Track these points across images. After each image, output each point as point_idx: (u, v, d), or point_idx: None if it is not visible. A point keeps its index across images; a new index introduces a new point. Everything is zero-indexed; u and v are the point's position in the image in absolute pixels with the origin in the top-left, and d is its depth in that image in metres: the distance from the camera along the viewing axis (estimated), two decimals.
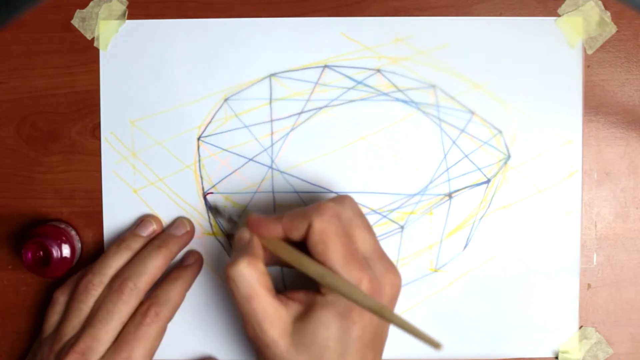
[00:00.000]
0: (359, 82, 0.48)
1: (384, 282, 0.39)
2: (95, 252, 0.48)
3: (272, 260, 0.42)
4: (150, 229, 0.47)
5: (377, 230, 0.48)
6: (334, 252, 0.38)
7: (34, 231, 0.46)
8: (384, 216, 0.48)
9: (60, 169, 0.48)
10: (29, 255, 0.45)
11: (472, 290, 0.48)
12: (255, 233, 0.41)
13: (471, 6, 0.48)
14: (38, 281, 0.48)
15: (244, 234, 0.41)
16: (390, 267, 0.40)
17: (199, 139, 0.48)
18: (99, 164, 0.48)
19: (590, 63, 0.48)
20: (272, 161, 0.48)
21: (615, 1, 0.47)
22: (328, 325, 0.38)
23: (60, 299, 0.45)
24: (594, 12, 0.47)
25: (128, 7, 0.47)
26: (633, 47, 0.48)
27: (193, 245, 0.48)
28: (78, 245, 0.47)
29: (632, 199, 0.48)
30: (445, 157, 0.48)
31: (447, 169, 0.48)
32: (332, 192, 0.48)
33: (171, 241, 0.46)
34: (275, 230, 0.40)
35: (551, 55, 0.47)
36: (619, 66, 0.48)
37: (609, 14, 0.47)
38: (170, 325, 0.46)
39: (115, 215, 0.48)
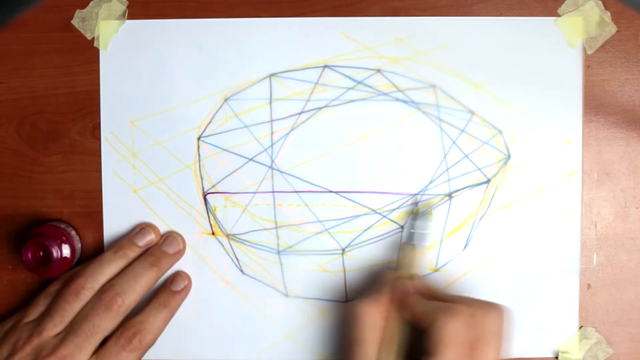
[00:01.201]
0: (359, 82, 0.48)
1: None
2: (95, 252, 0.48)
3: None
4: (147, 239, 0.47)
5: (377, 230, 0.48)
6: (444, 355, 0.39)
7: (34, 231, 0.46)
8: (384, 216, 0.48)
9: (60, 169, 0.48)
10: (29, 255, 0.45)
11: (472, 290, 0.48)
12: (392, 296, 0.43)
13: (471, 6, 0.48)
14: (38, 281, 0.48)
15: (388, 275, 0.44)
16: None
17: (199, 139, 0.48)
18: (99, 164, 0.48)
19: (590, 63, 0.48)
20: (272, 161, 0.48)
21: (615, 1, 0.47)
22: None
23: (52, 288, 0.46)
24: (594, 12, 0.47)
25: (128, 7, 0.47)
26: (633, 47, 0.48)
27: (193, 245, 0.48)
28: (78, 245, 0.47)
29: (632, 199, 0.48)
30: (445, 157, 0.48)
31: (447, 169, 0.48)
32: (332, 192, 0.48)
33: (164, 260, 0.46)
34: (408, 310, 0.42)
35: (551, 55, 0.47)
36: (619, 66, 0.48)
37: (609, 14, 0.47)
38: (170, 325, 0.46)
39: (115, 215, 0.48)
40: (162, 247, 0.47)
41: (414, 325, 0.42)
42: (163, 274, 0.47)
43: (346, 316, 0.43)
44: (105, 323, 0.44)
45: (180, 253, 0.47)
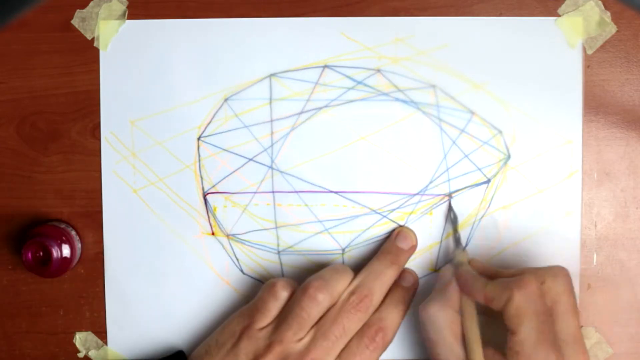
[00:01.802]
0: (359, 82, 0.48)
1: None
2: (95, 252, 0.48)
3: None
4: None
5: (377, 230, 0.48)
6: (526, 330, 0.39)
7: (34, 231, 0.46)
8: (384, 216, 0.48)
9: (60, 169, 0.48)
10: (29, 255, 0.45)
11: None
12: (459, 287, 0.43)
13: (471, 6, 0.48)
14: (38, 281, 0.48)
15: (447, 272, 0.44)
16: (583, 354, 0.41)
17: (199, 139, 0.48)
18: (99, 164, 0.48)
19: (590, 63, 0.48)
20: (272, 161, 0.48)
21: (615, 1, 0.47)
22: None
23: (284, 294, 0.44)
24: (594, 12, 0.47)
25: (128, 7, 0.47)
26: (633, 47, 0.48)
27: (193, 245, 0.48)
28: (78, 245, 0.47)
29: (632, 199, 0.48)
30: (445, 157, 0.48)
31: (447, 169, 0.48)
32: (332, 192, 0.48)
33: (401, 256, 0.46)
34: (478, 295, 0.42)
35: (551, 55, 0.47)
36: (619, 66, 0.48)
37: (609, 14, 0.47)
38: (169, 325, 0.46)
39: (115, 215, 0.48)
40: (397, 242, 0.46)
41: (488, 308, 0.41)
42: (401, 270, 0.46)
43: (422, 321, 0.43)
44: (355, 324, 0.43)
45: (414, 248, 0.47)
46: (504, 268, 0.45)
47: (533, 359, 0.39)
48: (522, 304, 0.40)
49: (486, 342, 0.42)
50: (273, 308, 0.44)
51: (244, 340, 0.43)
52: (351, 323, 0.43)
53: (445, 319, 0.42)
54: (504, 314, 0.40)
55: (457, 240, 0.47)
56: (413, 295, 0.47)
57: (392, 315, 0.45)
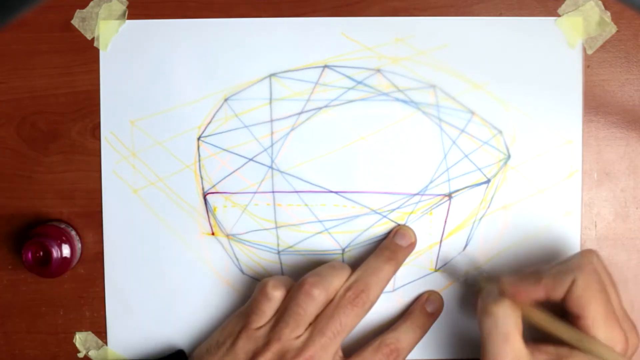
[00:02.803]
0: (359, 82, 0.48)
1: (631, 342, 0.40)
2: (95, 252, 0.48)
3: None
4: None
5: (377, 230, 0.48)
6: (596, 309, 0.39)
7: (34, 231, 0.46)
8: (384, 216, 0.48)
9: (60, 169, 0.48)
10: (29, 255, 0.45)
11: (472, 290, 0.48)
12: (514, 298, 0.41)
13: (471, 6, 0.48)
14: (38, 281, 0.48)
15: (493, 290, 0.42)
16: (633, 327, 0.41)
17: (199, 139, 0.48)
18: (99, 164, 0.48)
19: (590, 63, 0.48)
20: (272, 161, 0.48)
21: (615, 1, 0.47)
22: None
23: (277, 294, 0.44)
24: (594, 12, 0.47)
25: (128, 7, 0.47)
26: (633, 47, 0.48)
27: (193, 245, 0.48)
28: (78, 245, 0.47)
29: (632, 199, 0.48)
30: (445, 157, 0.48)
31: (447, 169, 0.48)
32: (332, 192, 0.48)
33: (399, 253, 0.46)
34: (537, 292, 0.41)
35: (551, 55, 0.47)
36: (619, 66, 0.48)
37: (609, 14, 0.47)
38: (170, 325, 0.46)
39: (115, 215, 0.48)
40: (396, 240, 0.47)
41: (547, 302, 0.41)
42: (399, 267, 0.46)
43: (481, 319, 0.41)
44: (352, 320, 0.43)
45: (412, 245, 0.47)
46: (513, 267, 0.45)
47: (606, 338, 0.39)
48: (587, 284, 0.39)
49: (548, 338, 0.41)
50: (267, 309, 0.44)
51: (243, 339, 0.43)
52: (348, 319, 0.43)
53: (516, 317, 0.40)
54: (567, 301, 0.39)
55: (485, 278, 0.46)
56: (433, 322, 0.47)
57: (409, 338, 0.45)
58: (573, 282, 0.39)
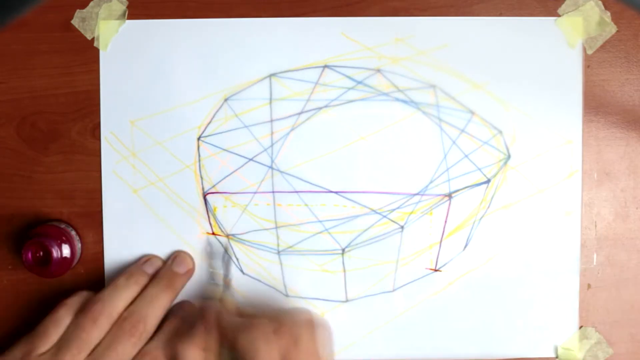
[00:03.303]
0: (359, 82, 0.48)
1: None
2: (95, 252, 0.48)
3: None
4: (155, 267, 0.47)
5: (377, 230, 0.48)
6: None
7: (34, 231, 0.46)
8: (384, 216, 0.48)
9: (60, 169, 0.48)
10: (29, 255, 0.45)
11: (472, 291, 0.48)
12: (206, 320, 0.43)
13: (471, 6, 0.48)
14: (38, 281, 0.48)
15: (199, 306, 0.45)
16: None
17: (199, 139, 0.48)
18: (99, 164, 0.48)
19: (590, 63, 0.48)
20: (272, 161, 0.48)
21: (615, 1, 0.47)
22: None
23: (66, 319, 0.44)
24: (594, 12, 0.47)
25: (128, 7, 0.47)
26: (633, 47, 0.48)
27: (193, 245, 0.48)
28: (78, 245, 0.47)
29: (632, 199, 0.48)
30: (445, 157, 0.48)
31: (447, 169, 0.48)
32: (332, 192, 0.48)
33: (177, 280, 0.47)
34: (219, 334, 0.43)
35: (551, 55, 0.47)
36: (619, 66, 0.48)
37: (609, 14, 0.47)
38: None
39: (115, 215, 0.48)
40: (173, 268, 0.47)
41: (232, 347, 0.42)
42: (178, 294, 0.47)
43: None
44: (129, 350, 0.44)
45: (190, 272, 0.47)
46: (258, 308, 0.47)
47: None
48: (248, 347, 0.40)
49: None
50: (53, 333, 0.44)
51: None
52: (125, 348, 0.43)
53: (195, 358, 0.42)
54: (237, 354, 0.41)
55: (212, 275, 0.47)
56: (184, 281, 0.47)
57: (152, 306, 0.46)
58: (235, 342, 0.40)
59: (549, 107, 0.48)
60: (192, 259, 0.48)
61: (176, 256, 0.47)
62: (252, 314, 0.44)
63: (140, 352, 0.44)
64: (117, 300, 0.44)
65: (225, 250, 0.47)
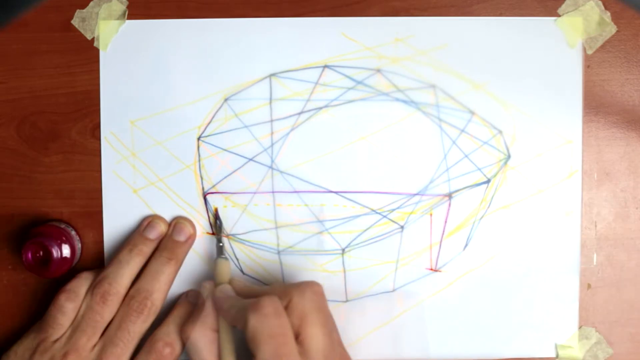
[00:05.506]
0: (359, 82, 0.48)
1: None
2: (95, 252, 0.48)
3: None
4: (158, 231, 0.47)
5: (377, 230, 0.48)
6: (262, 354, 0.39)
7: (34, 231, 0.46)
8: (384, 216, 0.48)
9: (60, 169, 0.48)
10: (29, 255, 0.45)
11: (472, 291, 0.48)
12: (214, 306, 0.44)
13: (471, 6, 0.48)
14: (38, 281, 0.48)
15: (206, 287, 0.45)
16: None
17: (199, 139, 0.48)
18: (99, 164, 0.48)
19: (590, 63, 0.48)
20: (272, 161, 0.48)
21: (615, 1, 0.47)
22: None
23: (68, 305, 0.44)
24: (594, 12, 0.47)
25: (128, 7, 0.47)
26: (633, 47, 0.48)
27: (193, 245, 0.48)
28: (78, 245, 0.47)
29: (632, 199, 0.48)
30: (445, 157, 0.48)
31: (447, 169, 0.48)
32: (332, 192, 0.48)
33: (178, 250, 0.46)
34: (227, 317, 0.43)
35: (551, 55, 0.48)
36: (619, 66, 0.48)
37: (609, 14, 0.47)
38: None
39: (115, 215, 0.48)
40: (173, 236, 0.47)
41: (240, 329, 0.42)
42: (181, 264, 0.47)
43: (185, 343, 0.44)
44: (140, 327, 0.44)
45: (192, 238, 0.47)
46: (276, 283, 0.47)
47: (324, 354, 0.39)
48: (256, 327, 0.39)
49: None
50: (62, 321, 0.44)
51: (39, 354, 0.44)
52: (135, 326, 0.44)
53: (204, 340, 0.43)
54: (246, 336, 0.40)
55: (219, 250, 0.47)
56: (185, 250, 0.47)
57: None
58: (245, 323, 0.40)
59: (549, 107, 0.48)
60: (192, 224, 0.47)
61: (176, 224, 0.47)
62: (261, 291, 0.44)
63: (151, 338, 0.44)
64: (123, 277, 0.45)
65: (217, 216, 0.47)
